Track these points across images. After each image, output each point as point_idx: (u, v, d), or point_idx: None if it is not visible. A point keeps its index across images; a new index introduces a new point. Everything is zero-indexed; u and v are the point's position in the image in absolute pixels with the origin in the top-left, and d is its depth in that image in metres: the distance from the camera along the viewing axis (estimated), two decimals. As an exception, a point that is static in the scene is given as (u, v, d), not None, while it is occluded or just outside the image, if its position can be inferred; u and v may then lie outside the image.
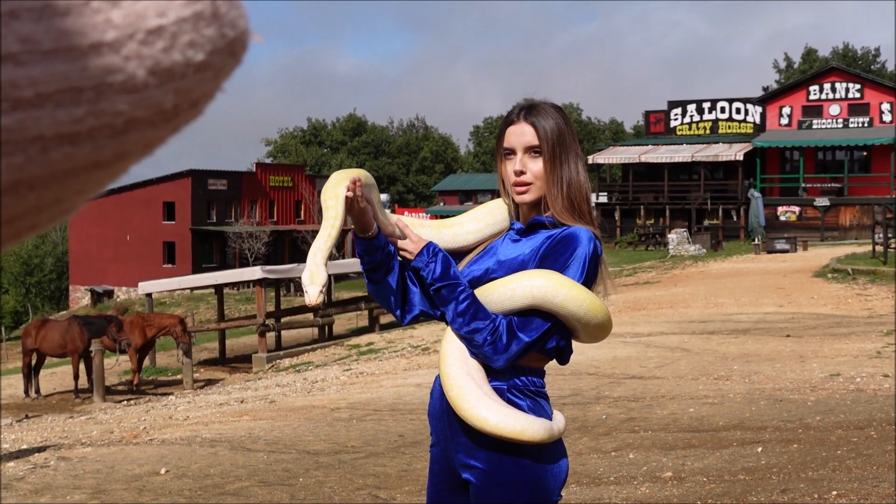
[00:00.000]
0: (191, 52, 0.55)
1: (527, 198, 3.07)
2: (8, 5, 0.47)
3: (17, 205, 0.52)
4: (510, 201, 3.16)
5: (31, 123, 0.49)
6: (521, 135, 3.06)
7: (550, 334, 2.99)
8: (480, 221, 3.22)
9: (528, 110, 3.09)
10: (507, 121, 3.11)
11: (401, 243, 3.03)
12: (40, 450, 11.16)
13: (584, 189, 3.07)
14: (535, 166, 3.05)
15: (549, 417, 3.07)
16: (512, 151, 3.08)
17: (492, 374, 2.99)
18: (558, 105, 3.17)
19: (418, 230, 3.17)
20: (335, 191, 2.95)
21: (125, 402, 20.06)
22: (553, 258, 2.97)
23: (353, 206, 2.93)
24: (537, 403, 3.03)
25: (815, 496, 6.82)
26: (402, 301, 3.10)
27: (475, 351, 2.95)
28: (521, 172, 3.05)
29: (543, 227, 3.06)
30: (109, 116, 0.53)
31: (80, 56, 0.50)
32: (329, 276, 2.91)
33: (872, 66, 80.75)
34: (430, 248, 2.99)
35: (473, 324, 2.91)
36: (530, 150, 3.05)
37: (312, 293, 2.83)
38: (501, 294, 2.93)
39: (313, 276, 2.85)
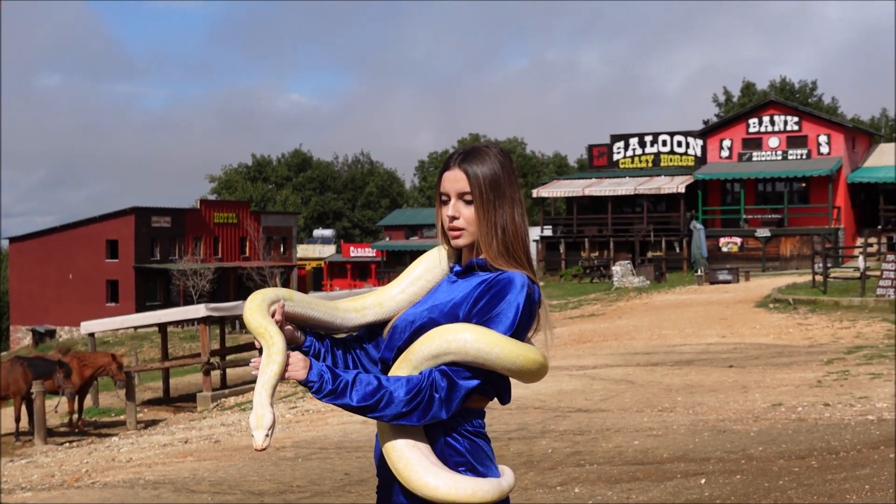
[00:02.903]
0: None
1: (460, 242, 3.11)
2: None
3: None
4: (448, 245, 3.19)
5: None
6: (455, 181, 3.10)
7: (489, 378, 3.02)
8: (416, 284, 3.25)
9: (464, 156, 3.12)
10: (445, 166, 3.15)
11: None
12: (-21, 495, 10.96)
13: (519, 234, 3.10)
14: (468, 212, 3.08)
15: (490, 458, 3.08)
16: (448, 196, 3.12)
17: None
18: (501, 149, 3.20)
19: (361, 301, 3.23)
20: (266, 319, 2.97)
21: (67, 444, 19.76)
22: (486, 305, 2.99)
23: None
24: (475, 445, 3.04)
25: (758, 527, 6.88)
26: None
27: (420, 421, 2.95)
28: (455, 218, 3.09)
29: (481, 269, 3.09)
30: None
31: None
32: (275, 416, 2.89)
33: (809, 100, 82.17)
34: (317, 372, 2.94)
35: (405, 397, 2.92)
36: (463, 197, 3.09)
37: (258, 437, 2.83)
38: (438, 346, 2.95)
39: (259, 419, 2.85)
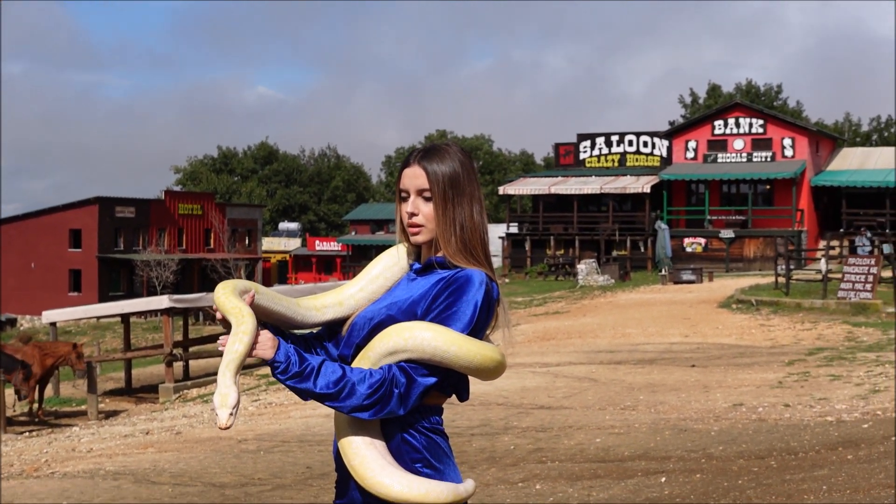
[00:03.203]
0: None
1: (420, 239, 3.13)
2: None
3: None
4: (407, 242, 3.21)
5: None
6: (414, 177, 3.12)
7: (447, 375, 3.04)
8: (375, 282, 3.25)
9: (424, 153, 3.15)
10: (405, 163, 3.18)
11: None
12: (-64, 484, 10.86)
13: (478, 231, 3.11)
14: (427, 209, 3.10)
15: (448, 455, 3.08)
16: (407, 193, 3.14)
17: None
18: (462, 148, 3.22)
19: (321, 299, 3.22)
20: (239, 300, 2.96)
21: (27, 433, 19.60)
22: (444, 303, 3.00)
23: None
24: (432, 441, 3.05)
25: (717, 525, 6.94)
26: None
27: (377, 416, 2.95)
28: (413, 214, 3.11)
29: (441, 267, 3.10)
30: None
31: None
32: (239, 395, 2.88)
33: (775, 103, 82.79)
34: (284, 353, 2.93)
35: (365, 391, 2.92)
36: (422, 193, 3.11)
37: (222, 416, 2.82)
38: (396, 343, 2.95)
39: (224, 398, 2.83)
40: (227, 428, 2.83)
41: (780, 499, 7.60)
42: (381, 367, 2.95)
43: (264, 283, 67.79)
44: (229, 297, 2.96)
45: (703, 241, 49.64)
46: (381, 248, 68.05)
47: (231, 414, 2.82)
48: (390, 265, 3.26)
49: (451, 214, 3.08)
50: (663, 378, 15.53)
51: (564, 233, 51.53)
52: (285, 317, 3.16)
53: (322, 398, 2.90)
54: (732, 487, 8.23)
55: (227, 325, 2.96)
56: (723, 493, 8.04)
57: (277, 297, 3.16)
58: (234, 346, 2.88)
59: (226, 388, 2.84)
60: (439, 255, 3.11)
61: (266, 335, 2.92)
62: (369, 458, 2.95)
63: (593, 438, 10.96)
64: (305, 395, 2.93)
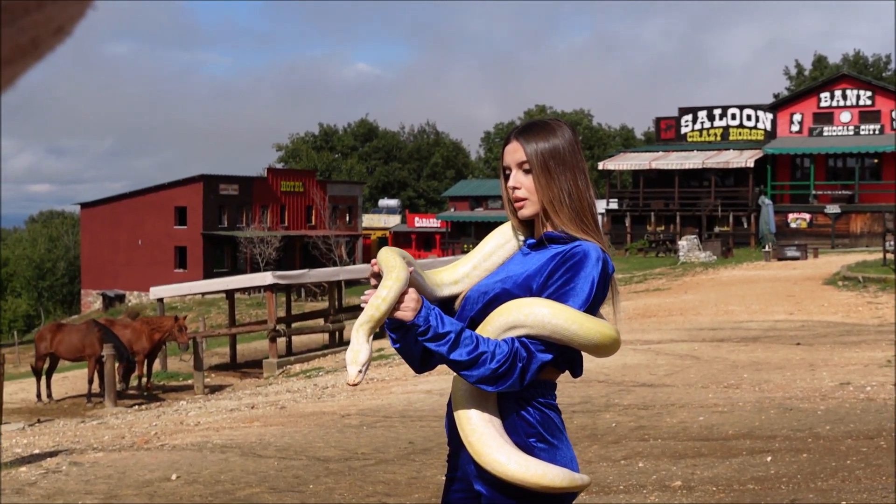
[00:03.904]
0: None
1: (525, 212, 3.15)
2: None
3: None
4: (514, 218, 3.22)
5: None
6: (514, 152, 3.15)
7: (563, 351, 3.04)
8: (489, 260, 3.26)
9: (522, 129, 3.20)
10: (506, 140, 3.22)
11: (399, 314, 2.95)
12: (52, 454, 11.22)
13: (585, 200, 3.11)
14: (528, 181, 3.12)
15: (560, 430, 3.09)
16: (509, 169, 3.16)
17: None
18: (563, 122, 3.23)
19: (438, 276, 3.24)
20: (399, 260, 2.98)
21: (136, 407, 20.12)
22: (562, 279, 3.00)
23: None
24: (546, 416, 3.06)
25: (824, 506, 6.83)
26: (422, 360, 3.16)
27: (497, 388, 2.96)
28: (516, 188, 3.13)
29: (553, 242, 3.10)
30: None
31: None
32: (371, 353, 2.90)
33: (884, 74, 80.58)
34: (426, 313, 2.94)
35: (496, 361, 2.92)
36: (522, 167, 3.12)
37: (352, 372, 2.87)
38: (516, 319, 2.96)
39: (355, 355, 2.88)
40: (356, 384, 2.87)
41: (891, 480, 7.44)
42: (504, 341, 2.96)
43: (365, 261, 68.40)
44: (392, 254, 3.00)
45: (807, 216, 48.66)
46: (480, 224, 68.08)
47: (360, 371, 2.86)
48: (503, 242, 3.28)
49: (558, 184, 3.09)
50: (767, 356, 15.29)
51: (665, 209, 50.95)
52: (423, 290, 3.18)
53: (454, 365, 2.92)
54: (841, 468, 8.08)
55: (377, 282, 2.99)
56: (831, 473, 7.90)
57: (423, 272, 3.19)
58: (375, 301, 2.89)
59: (357, 346, 2.88)
60: (552, 230, 3.12)
61: (413, 295, 2.93)
62: (487, 436, 2.97)
63: (696, 416, 10.85)
64: (435, 359, 2.96)
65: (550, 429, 3.06)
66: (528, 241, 3.21)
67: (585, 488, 3.12)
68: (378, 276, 2.99)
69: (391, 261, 2.96)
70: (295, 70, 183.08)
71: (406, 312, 2.91)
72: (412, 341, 3.03)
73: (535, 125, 3.18)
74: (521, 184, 3.13)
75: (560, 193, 3.08)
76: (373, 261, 3.03)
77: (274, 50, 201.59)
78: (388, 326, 3.02)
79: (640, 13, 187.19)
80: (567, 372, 3.18)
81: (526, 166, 3.12)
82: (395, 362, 19.27)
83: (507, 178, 3.19)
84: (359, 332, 2.91)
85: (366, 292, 2.98)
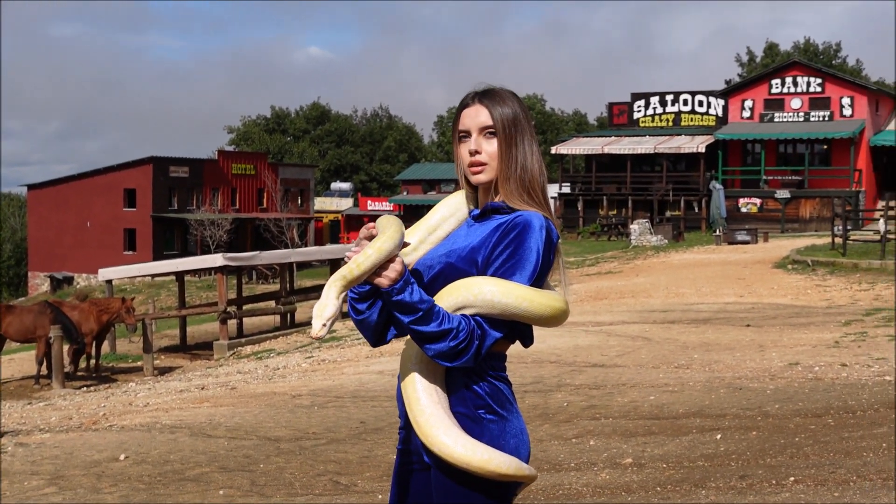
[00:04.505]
0: None
1: (482, 177, 3.07)
2: None
3: None
4: (467, 186, 3.16)
5: None
6: (476, 115, 3.07)
7: (513, 325, 3.01)
8: (434, 234, 3.19)
9: (482, 94, 3.11)
10: (463, 104, 3.13)
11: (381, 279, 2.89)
12: (-2, 435, 11.05)
13: (536, 172, 3.06)
14: (490, 147, 3.05)
15: (511, 401, 3.05)
16: (467, 133, 3.08)
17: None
18: (513, 91, 3.17)
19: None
20: (397, 228, 2.91)
21: (84, 388, 19.90)
22: (506, 251, 2.96)
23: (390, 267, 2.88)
24: (496, 388, 3.02)
25: (773, 482, 6.88)
26: (380, 333, 3.10)
27: (453, 363, 2.91)
28: (476, 152, 3.05)
29: (496, 213, 3.06)
30: None
31: None
32: (338, 310, 2.86)
33: (833, 62, 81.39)
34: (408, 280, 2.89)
35: (458, 338, 2.88)
36: (485, 131, 3.06)
37: (316, 326, 2.83)
38: (465, 299, 2.91)
39: (322, 309, 2.85)
40: (319, 338, 2.84)
41: (839, 456, 7.51)
42: (464, 317, 2.91)
43: (317, 243, 68.14)
44: (389, 223, 2.94)
45: (758, 201, 49.09)
46: (432, 207, 67.80)
47: (324, 325, 2.83)
48: (447, 215, 3.21)
49: (514, 152, 3.04)
50: (718, 337, 15.40)
51: (617, 193, 51.19)
52: None
53: (419, 337, 2.87)
54: (789, 444, 8.15)
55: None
56: (779, 450, 7.96)
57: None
58: (354, 262, 2.84)
59: (326, 300, 2.85)
60: (497, 200, 3.07)
61: (397, 265, 2.85)
62: (435, 416, 2.93)
63: (647, 396, 10.90)
64: (393, 331, 2.93)
65: (500, 400, 3.03)
66: (472, 212, 3.15)
67: (532, 481, 3.09)
68: (371, 239, 2.93)
69: (386, 229, 2.90)
70: (246, 53, 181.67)
71: (382, 280, 2.84)
72: (377, 311, 2.98)
73: (493, 91, 3.12)
74: (483, 148, 3.05)
75: (514, 164, 3.03)
76: (371, 224, 2.96)
77: (225, 33, 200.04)
78: (359, 295, 2.96)
79: (587, 4, 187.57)
80: (519, 342, 3.14)
81: (490, 131, 3.06)
82: (347, 343, 19.20)
83: (462, 140, 3.12)
84: (330, 288, 2.86)
85: (352, 249, 2.91)
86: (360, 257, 2.84)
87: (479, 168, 3.06)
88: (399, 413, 3.20)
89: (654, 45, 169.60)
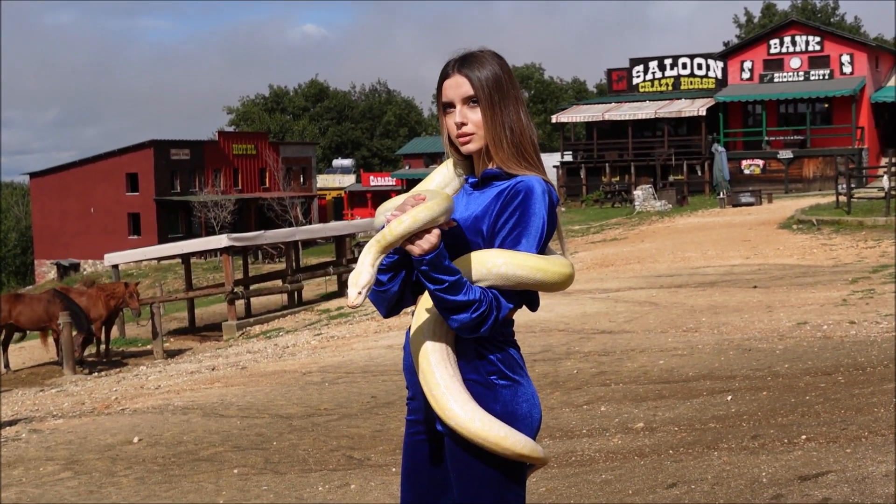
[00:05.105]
0: None
1: (471, 147, 3.06)
2: None
3: None
4: (457, 155, 3.15)
5: None
6: (457, 87, 3.05)
7: (523, 292, 3.02)
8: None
9: (461, 62, 3.07)
10: (443, 75, 3.09)
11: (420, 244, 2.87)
12: (11, 423, 11.11)
13: (527, 133, 3.05)
14: (475, 116, 3.04)
15: (521, 366, 3.07)
16: (451, 105, 3.07)
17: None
18: (495, 52, 3.14)
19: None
20: (436, 202, 2.87)
21: (96, 373, 19.97)
22: (511, 219, 2.96)
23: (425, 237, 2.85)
24: (506, 353, 3.03)
25: (785, 441, 6.90)
26: (394, 305, 3.10)
27: (472, 334, 2.92)
28: (462, 124, 3.04)
29: (495, 179, 3.05)
30: None
31: None
32: (373, 276, 2.85)
33: (831, 20, 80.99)
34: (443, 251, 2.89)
35: (480, 309, 2.88)
36: (468, 101, 3.04)
37: (352, 294, 2.83)
38: (479, 273, 2.91)
39: (357, 276, 2.85)
40: (355, 306, 2.84)
41: (850, 413, 7.53)
42: (482, 290, 2.91)
43: (321, 221, 68.10)
44: (438, 195, 2.91)
45: (761, 162, 48.96)
46: (424, 178, 67.69)
47: (359, 293, 2.83)
48: (443, 185, 3.20)
49: (500, 118, 3.02)
50: (725, 300, 15.40)
51: (619, 159, 51.06)
52: None
53: (447, 307, 2.86)
54: (800, 403, 8.17)
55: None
56: (790, 409, 7.98)
57: None
58: (389, 227, 2.82)
59: (360, 267, 2.86)
60: (493, 166, 3.06)
61: (432, 238, 2.83)
62: (452, 390, 2.94)
63: (656, 360, 10.92)
64: (405, 302, 2.94)
65: (511, 365, 3.04)
66: (469, 180, 3.14)
67: (544, 464, 3.11)
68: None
69: (429, 199, 2.87)
70: (241, 33, 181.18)
71: (414, 248, 2.84)
72: (398, 283, 3.00)
73: (472, 56, 3.08)
74: (468, 119, 3.04)
75: (502, 129, 3.02)
76: (420, 194, 2.94)
77: (219, 14, 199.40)
78: (384, 266, 2.96)
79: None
80: (525, 307, 3.15)
81: (473, 100, 3.05)
82: (354, 320, 19.24)
83: (447, 112, 3.11)
84: (366, 255, 2.87)
85: (392, 213, 2.90)
86: (394, 223, 2.83)
87: (467, 138, 3.06)
88: (407, 384, 3.21)
89: (649, 10, 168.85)
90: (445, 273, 2.82)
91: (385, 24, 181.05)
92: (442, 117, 3.12)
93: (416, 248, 2.82)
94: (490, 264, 2.90)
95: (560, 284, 3.01)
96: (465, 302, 2.84)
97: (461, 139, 3.06)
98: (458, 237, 3.02)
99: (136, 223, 61.18)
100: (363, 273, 2.85)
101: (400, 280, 3.02)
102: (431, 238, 2.82)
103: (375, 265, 2.87)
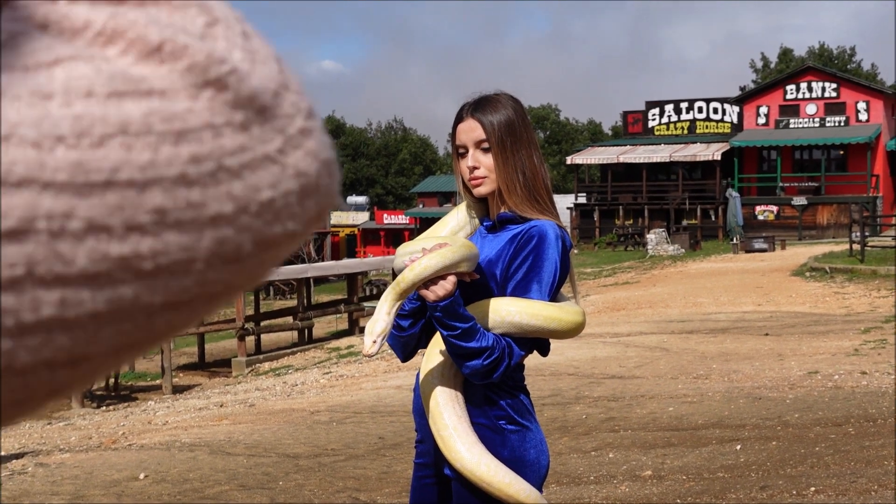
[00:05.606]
0: (291, 225, 0.54)
1: (483, 190, 3.09)
2: (145, 175, 0.48)
3: (113, 366, 0.52)
4: (471, 198, 3.17)
5: (147, 294, 0.49)
6: (470, 131, 3.08)
7: (534, 340, 3.02)
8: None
9: (475, 106, 3.11)
10: (458, 118, 3.13)
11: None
12: (17, 456, 11.09)
13: (539, 177, 3.07)
14: (487, 160, 3.06)
15: (530, 412, 3.07)
16: (465, 148, 3.09)
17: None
18: (511, 95, 3.16)
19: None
20: (458, 247, 2.88)
21: (104, 407, 19.95)
22: (524, 265, 2.97)
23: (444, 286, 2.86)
24: (516, 399, 3.04)
25: (794, 492, 6.84)
26: (412, 349, 3.12)
27: (483, 381, 2.92)
28: (475, 168, 3.07)
29: (509, 223, 3.07)
30: (212, 286, 0.52)
31: (200, 228, 0.50)
32: (389, 325, 2.87)
33: (848, 66, 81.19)
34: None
35: (493, 356, 2.88)
36: (480, 145, 3.06)
37: (367, 343, 2.85)
38: (493, 321, 2.93)
39: (372, 325, 2.87)
40: (370, 356, 2.85)
41: (860, 465, 7.47)
42: (496, 337, 2.91)
43: (333, 258, 68.18)
44: (458, 242, 2.92)
45: (774, 208, 48.93)
46: (438, 221, 67.77)
47: (374, 342, 2.84)
48: (457, 228, 3.22)
49: (512, 162, 3.04)
50: (736, 347, 15.34)
51: (633, 202, 51.09)
52: None
53: (460, 354, 2.87)
54: (809, 454, 8.11)
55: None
56: (800, 460, 7.92)
57: None
58: (406, 273, 2.83)
59: (377, 315, 2.87)
60: (505, 210, 3.07)
61: (448, 285, 2.84)
62: (459, 432, 2.95)
63: (666, 407, 10.87)
64: (446, 344, 2.93)
65: (520, 410, 3.04)
66: (484, 223, 3.16)
67: None
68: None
69: (453, 242, 2.89)
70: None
71: (429, 294, 2.84)
72: (419, 328, 3.01)
73: (487, 100, 3.11)
74: (481, 163, 3.07)
75: (515, 174, 3.04)
76: (443, 242, 2.95)
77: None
78: (406, 312, 2.98)
79: (596, 10, 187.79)
80: (536, 352, 3.16)
81: (485, 145, 3.06)
82: (364, 359, 19.21)
83: (461, 155, 3.13)
84: (383, 303, 2.88)
85: (411, 257, 2.91)
86: (406, 269, 2.85)
87: (479, 181, 3.08)
88: (416, 426, 3.21)
89: (663, 52, 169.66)
90: (459, 320, 2.83)
91: (402, 60, 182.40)
92: (456, 160, 3.15)
93: (431, 295, 2.83)
94: (504, 312, 2.91)
95: (572, 333, 3.03)
96: (477, 349, 2.85)
97: (473, 182, 3.09)
98: (473, 280, 3.03)
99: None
100: (379, 321, 2.86)
101: (420, 325, 3.04)
102: (447, 285, 2.83)
103: (392, 313, 2.87)
